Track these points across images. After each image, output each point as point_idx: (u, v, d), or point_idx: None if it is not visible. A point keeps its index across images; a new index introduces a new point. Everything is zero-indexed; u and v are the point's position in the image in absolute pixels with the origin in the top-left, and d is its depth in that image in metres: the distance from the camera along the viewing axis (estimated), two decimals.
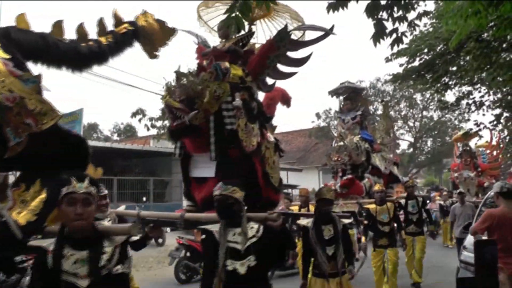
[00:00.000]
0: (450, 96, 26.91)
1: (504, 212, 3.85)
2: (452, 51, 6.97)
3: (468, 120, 20.92)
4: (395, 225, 6.15)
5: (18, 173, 2.49)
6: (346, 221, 4.01)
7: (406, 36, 3.75)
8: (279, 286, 6.49)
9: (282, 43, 3.54)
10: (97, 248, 1.86)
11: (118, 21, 3.08)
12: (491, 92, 9.40)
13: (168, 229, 9.94)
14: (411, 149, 30.16)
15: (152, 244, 11.88)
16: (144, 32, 3.17)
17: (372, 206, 6.05)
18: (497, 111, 9.43)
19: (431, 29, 8.23)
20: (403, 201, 7.06)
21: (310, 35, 3.83)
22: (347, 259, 3.84)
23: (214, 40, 4.08)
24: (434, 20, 8.16)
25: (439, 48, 7.80)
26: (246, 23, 3.67)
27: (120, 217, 3.77)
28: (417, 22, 4.30)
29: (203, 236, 2.84)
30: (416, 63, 8.28)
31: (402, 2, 3.40)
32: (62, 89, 22.81)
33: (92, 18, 3.06)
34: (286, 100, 4.40)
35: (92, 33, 2.92)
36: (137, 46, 3.21)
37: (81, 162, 2.60)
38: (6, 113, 2.15)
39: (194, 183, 3.53)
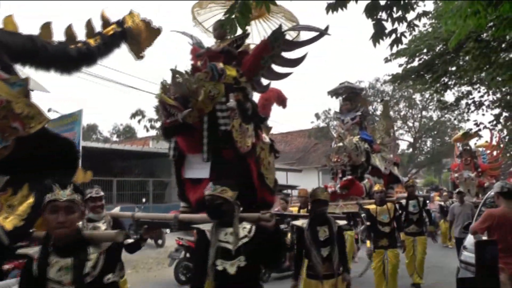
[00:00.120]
0: (449, 96, 27.00)
1: (504, 212, 3.84)
2: (452, 51, 6.98)
3: (468, 120, 20.95)
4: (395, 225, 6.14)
5: (5, 178, 2.42)
6: (342, 222, 4.00)
7: (405, 37, 3.75)
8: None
9: (276, 43, 3.53)
10: (82, 255, 1.83)
11: (106, 22, 3.06)
12: (490, 92, 9.42)
13: (167, 230, 9.93)
14: (411, 149, 30.15)
15: (152, 245, 11.89)
16: (131, 32, 3.15)
17: (372, 206, 6.04)
18: (497, 111, 9.46)
19: (430, 30, 8.23)
20: (403, 201, 7.05)
21: (305, 35, 3.82)
22: (341, 263, 3.80)
23: (209, 41, 4.08)
24: (433, 21, 8.17)
25: (438, 48, 7.81)
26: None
27: (115, 219, 3.74)
28: (416, 22, 4.29)
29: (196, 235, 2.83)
30: (416, 63, 8.29)
31: (401, 2, 3.40)
32: (62, 90, 22.81)
33: (87, 17, 3.05)
34: (281, 100, 4.39)
35: (81, 34, 2.90)
36: (124, 47, 3.20)
37: (70, 165, 2.57)
38: None
39: (189, 184, 3.51)
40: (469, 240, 4.96)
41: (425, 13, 4.53)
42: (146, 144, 20.94)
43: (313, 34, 3.57)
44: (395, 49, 3.91)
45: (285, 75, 3.80)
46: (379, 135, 8.49)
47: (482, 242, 2.98)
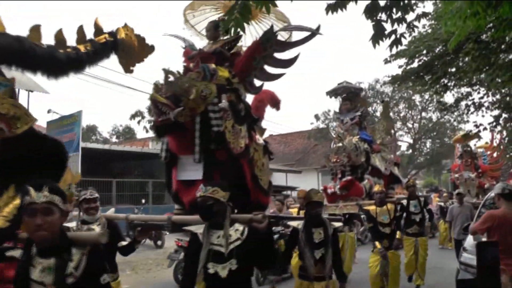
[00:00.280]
0: (449, 97, 27.03)
1: (505, 213, 3.84)
2: (451, 52, 6.98)
3: (467, 121, 20.99)
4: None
5: None
6: (337, 224, 4.00)
7: (405, 38, 3.74)
8: None
9: (268, 44, 3.53)
10: (65, 256, 1.81)
11: (98, 30, 3.02)
12: (490, 93, 9.41)
13: (167, 232, 9.93)
14: (410, 151, 30.18)
15: (151, 246, 11.89)
16: (123, 45, 3.12)
17: (372, 207, 6.02)
18: (496, 112, 9.45)
19: (430, 31, 8.23)
20: (404, 202, 7.03)
21: (297, 35, 3.83)
22: (335, 267, 3.78)
23: (201, 45, 4.09)
24: (433, 22, 8.18)
25: (438, 49, 7.81)
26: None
27: (110, 221, 3.72)
28: (416, 23, 4.30)
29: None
30: (415, 64, 8.28)
31: (401, 3, 3.40)
32: (61, 91, 22.80)
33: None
34: (275, 102, 4.39)
35: (72, 39, 2.85)
36: (113, 58, 3.15)
37: (58, 166, 2.54)
38: None
39: (182, 186, 3.49)
40: (469, 241, 4.95)
41: (424, 14, 4.54)
42: (145, 145, 20.93)
43: (305, 34, 3.58)
44: (394, 50, 3.91)
45: (278, 76, 3.79)
46: (379, 135, 8.48)
47: (483, 243, 2.98)
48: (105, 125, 49.88)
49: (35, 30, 2.60)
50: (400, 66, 8.55)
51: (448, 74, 8.18)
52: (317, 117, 28.39)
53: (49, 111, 14.10)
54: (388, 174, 8.09)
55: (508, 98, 9.47)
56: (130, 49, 3.17)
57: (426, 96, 24.56)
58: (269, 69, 3.71)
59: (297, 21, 4.08)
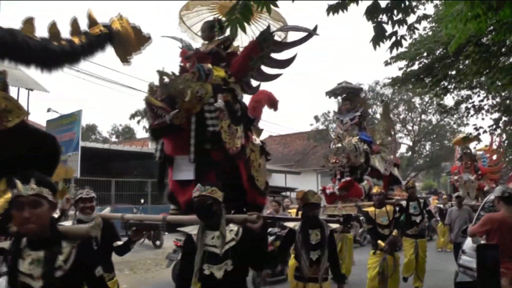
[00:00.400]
0: (449, 100, 26.97)
1: (504, 216, 3.84)
2: (451, 55, 6.98)
3: (467, 124, 21.02)
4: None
5: None
6: (334, 226, 3.99)
7: (405, 40, 3.73)
8: None
9: (265, 44, 3.52)
10: (54, 249, 1.79)
11: (92, 22, 2.99)
12: (490, 96, 9.44)
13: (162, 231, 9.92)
14: (410, 153, 30.19)
15: (150, 246, 11.87)
16: (119, 36, 3.08)
17: (371, 209, 6.01)
18: (496, 115, 9.46)
19: (430, 33, 8.24)
20: (404, 203, 7.02)
21: (293, 35, 3.82)
22: (332, 268, 3.76)
23: (197, 45, 4.07)
24: (433, 24, 8.18)
25: (438, 52, 7.81)
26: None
27: (105, 220, 3.70)
28: (416, 25, 4.29)
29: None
30: (416, 66, 8.29)
31: (402, 5, 3.40)
32: (61, 90, 22.80)
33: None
34: (272, 103, 4.38)
35: (66, 32, 2.81)
36: (109, 50, 3.12)
37: (51, 160, 2.52)
38: None
39: (178, 186, 3.48)
40: (468, 244, 4.95)
41: (425, 16, 4.53)
42: (145, 144, 20.91)
43: (302, 34, 3.57)
44: (395, 52, 3.91)
45: (275, 76, 3.78)
46: (379, 135, 8.47)
47: (483, 246, 2.98)
48: (104, 125, 50.03)
49: (29, 22, 2.57)
50: (400, 68, 8.56)
51: (448, 77, 8.18)
52: (316, 118, 28.41)
53: (48, 110, 14.11)
54: (387, 175, 8.09)
55: (508, 101, 9.48)
56: (126, 40, 3.13)
57: (426, 99, 24.59)
58: (266, 69, 3.70)
59: (298, 21, 4.09)
